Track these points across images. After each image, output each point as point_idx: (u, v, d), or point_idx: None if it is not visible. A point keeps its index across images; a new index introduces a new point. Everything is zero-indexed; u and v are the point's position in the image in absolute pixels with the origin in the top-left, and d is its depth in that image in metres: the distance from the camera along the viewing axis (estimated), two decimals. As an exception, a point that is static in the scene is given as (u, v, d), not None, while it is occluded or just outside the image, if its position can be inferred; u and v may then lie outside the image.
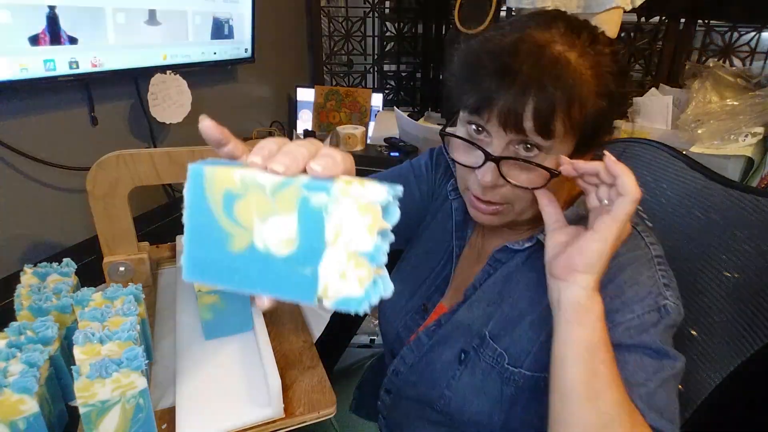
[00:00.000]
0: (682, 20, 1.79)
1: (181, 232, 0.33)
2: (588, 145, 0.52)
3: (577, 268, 0.47)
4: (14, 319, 0.61)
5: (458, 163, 0.56)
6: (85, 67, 1.03)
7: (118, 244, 0.79)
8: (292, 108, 1.95)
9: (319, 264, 0.32)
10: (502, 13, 1.83)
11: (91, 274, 0.80)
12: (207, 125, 0.34)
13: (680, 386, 0.51)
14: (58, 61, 0.97)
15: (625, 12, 1.40)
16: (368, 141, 1.68)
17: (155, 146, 1.31)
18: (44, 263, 0.72)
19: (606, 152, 0.46)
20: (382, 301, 0.32)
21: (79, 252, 0.93)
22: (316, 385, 0.64)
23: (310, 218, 0.31)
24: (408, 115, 1.53)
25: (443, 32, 2.05)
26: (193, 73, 1.33)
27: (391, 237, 0.32)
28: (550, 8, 1.44)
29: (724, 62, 1.76)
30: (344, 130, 1.57)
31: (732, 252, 0.65)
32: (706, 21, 1.79)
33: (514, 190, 0.53)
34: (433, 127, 1.54)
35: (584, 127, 0.50)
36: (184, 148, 0.76)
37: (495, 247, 0.62)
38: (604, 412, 0.44)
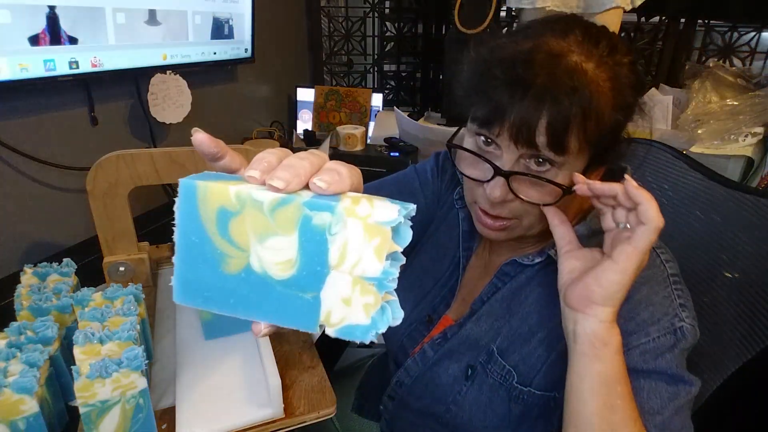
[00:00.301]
0: (682, 20, 1.79)
1: None
2: (603, 159, 0.50)
3: (595, 300, 0.44)
4: (14, 319, 0.61)
5: (466, 176, 0.53)
6: (85, 67, 1.03)
7: (118, 244, 0.79)
8: (292, 108, 1.95)
9: (322, 289, 0.30)
10: (502, 13, 1.84)
11: (91, 274, 0.80)
12: (200, 139, 0.32)
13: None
14: (58, 61, 0.97)
15: (625, 12, 1.40)
16: (368, 141, 1.68)
17: (155, 146, 1.31)
18: (44, 263, 0.72)
19: (627, 176, 0.43)
20: None
21: (79, 252, 0.93)
22: (316, 385, 0.64)
23: (311, 239, 0.29)
24: (408, 115, 1.53)
25: (443, 32, 2.05)
26: (193, 73, 1.33)
27: (402, 259, 0.30)
28: (549, 8, 1.45)
29: (724, 62, 1.76)
30: (344, 130, 1.57)
31: (733, 252, 0.65)
32: (706, 21, 1.79)
33: (524, 205, 0.51)
34: (433, 127, 1.54)
35: (599, 141, 0.47)
36: (184, 148, 0.76)
37: (503, 260, 0.60)
38: None
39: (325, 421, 0.61)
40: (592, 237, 0.53)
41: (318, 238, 0.29)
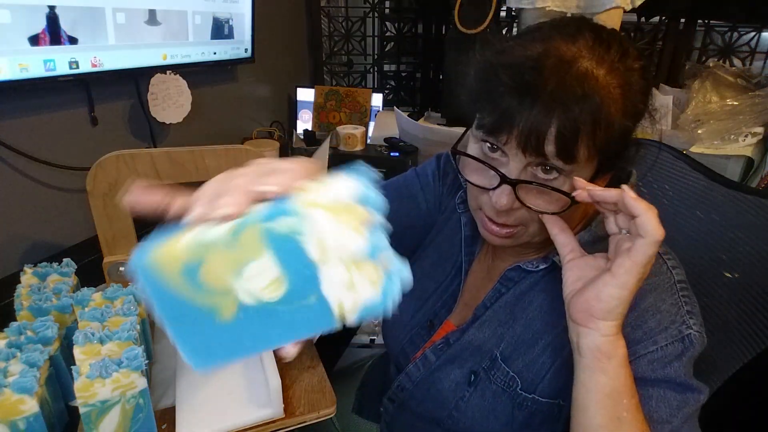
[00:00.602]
0: (682, 20, 1.79)
1: None
2: (611, 165, 0.49)
3: (595, 315, 0.44)
4: (14, 319, 0.61)
5: (470, 183, 0.52)
6: (85, 67, 1.03)
7: (118, 244, 0.79)
8: (292, 108, 1.95)
9: (321, 287, 0.29)
10: (502, 13, 1.84)
11: (91, 274, 0.80)
12: (134, 201, 0.30)
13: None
14: (58, 61, 0.97)
15: (625, 12, 1.40)
16: (368, 141, 1.68)
17: (155, 146, 1.31)
18: (44, 263, 0.72)
19: (625, 187, 0.42)
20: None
21: (79, 252, 0.93)
22: (316, 385, 0.63)
23: (285, 249, 0.28)
24: (408, 115, 1.53)
25: (443, 32, 2.05)
26: (193, 73, 1.33)
27: (384, 223, 0.29)
28: (549, 8, 1.45)
29: (724, 62, 1.76)
30: (344, 130, 1.57)
31: (733, 253, 0.65)
32: (706, 21, 1.79)
33: (530, 213, 0.50)
34: (434, 127, 1.54)
35: (608, 148, 0.46)
36: (184, 148, 0.76)
37: (506, 266, 0.59)
38: None
39: (325, 421, 0.61)
40: (597, 243, 0.52)
41: (290, 245, 0.28)
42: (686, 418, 0.47)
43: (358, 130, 1.56)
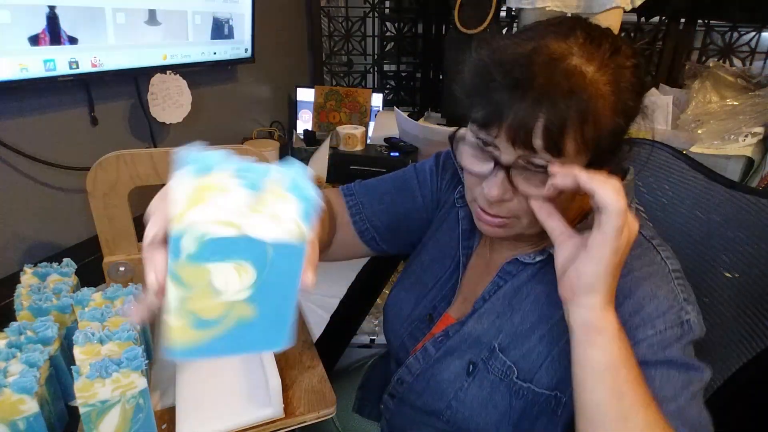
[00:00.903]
0: (682, 20, 1.79)
1: None
2: (603, 162, 0.49)
3: (578, 290, 0.45)
4: (14, 319, 0.61)
5: (467, 169, 0.53)
6: (85, 67, 1.03)
7: (118, 244, 0.79)
8: (292, 108, 1.95)
9: (263, 240, 0.32)
10: (502, 13, 1.84)
11: (91, 274, 0.80)
12: (135, 318, 0.36)
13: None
14: (58, 61, 0.97)
15: (625, 12, 1.40)
16: (368, 141, 1.68)
17: (155, 146, 1.31)
18: (44, 263, 0.72)
19: (576, 170, 0.43)
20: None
21: (79, 252, 0.93)
22: (316, 385, 0.63)
23: (218, 252, 0.31)
24: (408, 115, 1.53)
25: (443, 32, 2.05)
26: (193, 73, 1.33)
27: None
28: (549, 8, 1.45)
29: (724, 62, 1.76)
30: (344, 130, 1.57)
31: (733, 253, 0.65)
32: (706, 21, 1.79)
33: (522, 205, 0.51)
34: (434, 127, 1.54)
35: (598, 144, 0.47)
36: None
37: (504, 259, 0.61)
38: None
39: (325, 421, 0.61)
40: None
41: (215, 245, 0.31)
42: (692, 396, 0.47)
43: (358, 130, 1.56)
